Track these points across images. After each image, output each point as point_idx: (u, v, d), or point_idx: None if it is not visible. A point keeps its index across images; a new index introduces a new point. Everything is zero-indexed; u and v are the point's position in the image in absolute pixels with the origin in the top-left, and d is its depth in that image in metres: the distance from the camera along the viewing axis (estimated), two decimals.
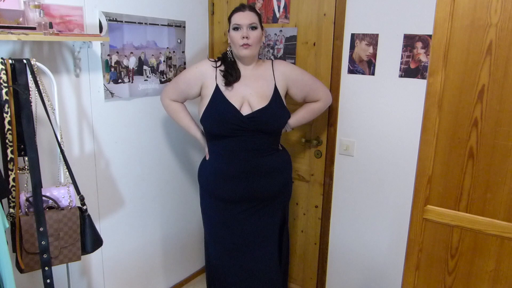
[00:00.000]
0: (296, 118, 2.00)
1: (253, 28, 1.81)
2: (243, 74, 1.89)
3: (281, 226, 2.09)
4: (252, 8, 1.85)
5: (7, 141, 1.43)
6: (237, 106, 1.82)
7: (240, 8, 1.84)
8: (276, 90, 1.89)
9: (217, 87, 1.86)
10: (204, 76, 1.90)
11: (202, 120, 1.87)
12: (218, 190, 1.92)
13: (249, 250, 1.97)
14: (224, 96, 1.83)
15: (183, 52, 2.31)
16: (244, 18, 1.80)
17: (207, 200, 1.99)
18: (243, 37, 1.79)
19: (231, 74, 1.86)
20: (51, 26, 1.51)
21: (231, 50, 1.90)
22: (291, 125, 2.00)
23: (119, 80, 1.98)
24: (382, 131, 2.00)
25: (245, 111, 1.82)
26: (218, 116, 1.82)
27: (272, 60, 1.98)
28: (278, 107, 1.87)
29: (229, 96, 1.84)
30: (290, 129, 2.04)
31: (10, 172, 1.46)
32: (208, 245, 2.08)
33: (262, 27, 1.87)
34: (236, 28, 1.81)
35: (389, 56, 1.91)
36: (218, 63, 1.91)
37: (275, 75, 1.92)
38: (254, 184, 1.88)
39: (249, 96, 1.85)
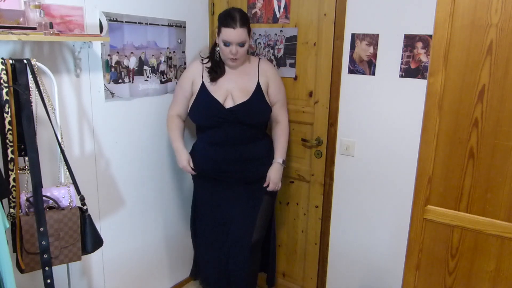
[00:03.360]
0: (281, 152, 2.11)
1: (242, 45, 1.92)
2: (228, 70, 2.05)
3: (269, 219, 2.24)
4: (243, 22, 1.90)
5: (7, 141, 1.43)
6: (220, 99, 1.98)
7: (231, 23, 1.88)
8: (258, 85, 2.03)
9: (203, 84, 2.03)
10: (193, 75, 2.07)
11: (189, 114, 2.08)
12: (205, 171, 2.10)
13: (228, 227, 2.13)
14: (209, 91, 2.00)
15: (184, 52, 2.31)
16: (234, 36, 1.89)
17: (196, 180, 2.20)
18: (232, 53, 1.92)
19: (215, 71, 2.02)
20: (51, 26, 1.51)
21: (219, 52, 2.02)
22: (283, 157, 2.12)
23: (120, 80, 1.98)
24: (382, 131, 2.00)
25: (228, 104, 1.98)
26: (203, 110, 2.01)
27: (259, 58, 2.12)
28: (259, 102, 2.02)
29: (213, 90, 2.00)
30: (284, 165, 2.14)
31: (10, 172, 1.46)
32: (195, 221, 2.28)
33: (250, 35, 1.96)
34: (225, 43, 1.91)
35: (390, 56, 1.91)
36: (206, 60, 2.07)
37: (260, 72, 2.06)
38: (237, 169, 2.05)
39: (232, 90, 2.00)
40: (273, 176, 2.10)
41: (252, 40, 2.07)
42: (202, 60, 2.07)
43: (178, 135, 2.13)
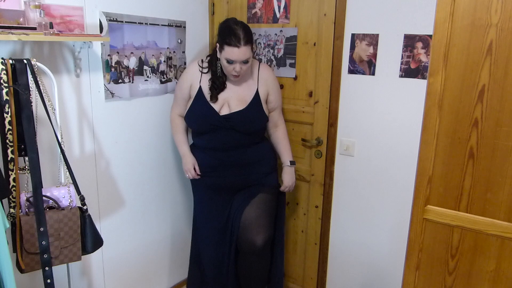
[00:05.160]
0: (288, 154, 2.13)
1: (246, 62, 1.88)
2: (228, 80, 2.03)
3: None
4: (247, 41, 1.84)
5: (7, 141, 1.43)
6: (217, 107, 1.96)
7: (236, 42, 1.81)
8: (257, 94, 2.00)
9: (200, 89, 2.00)
10: (191, 77, 2.05)
11: (185, 118, 2.07)
12: (203, 179, 2.09)
13: (234, 231, 2.08)
14: (205, 98, 1.98)
15: (184, 52, 2.31)
16: (239, 55, 1.84)
17: (195, 185, 2.18)
18: (236, 70, 1.88)
19: (216, 88, 1.98)
20: (51, 26, 1.51)
21: (221, 67, 1.96)
22: (290, 159, 2.13)
23: (120, 80, 1.98)
24: (382, 131, 2.00)
25: (224, 111, 1.96)
26: (199, 116, 2.00)
27: (259, 63, 2.08)
28: (255, 111, 2.00)
29: (210, 98, 1.98)
30: (294, 164, 2.14)
31: (10, 172, 1.47)
32: (196, 225, 2.25)
33: (253, 50, 1.92)
34: (229, 61, 1.86)
35: (390, 56, 1.91)
36: (205, 69, 2.02)
37: (259, 79, 2.03)
38: (235, 173, 2.04)
39: (229, 98, 1.98)
40: (287, 179, 2.10)
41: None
42: (202, 65, 2.04)
43: (183, 139, 2.13)
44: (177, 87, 2.12)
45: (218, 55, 1.93)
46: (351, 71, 2.04)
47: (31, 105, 1.47)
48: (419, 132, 1.65)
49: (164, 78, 2.22)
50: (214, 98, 1.97)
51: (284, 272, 2.53)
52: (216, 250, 2.15)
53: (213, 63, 2.01)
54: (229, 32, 1.84)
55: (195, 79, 2.03)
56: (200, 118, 1.99)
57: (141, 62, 2.07)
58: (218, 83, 1.98)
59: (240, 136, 1.98)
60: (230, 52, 1.83)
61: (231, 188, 2.08)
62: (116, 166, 2.05)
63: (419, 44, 1.82)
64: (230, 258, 2.12)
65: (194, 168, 2.07)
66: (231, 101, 1.97)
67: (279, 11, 2.24)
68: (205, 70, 2.02)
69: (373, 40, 1.95)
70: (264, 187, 2.09)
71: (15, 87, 1.41)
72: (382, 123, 2.00)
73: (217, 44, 1.92)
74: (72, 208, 1.58)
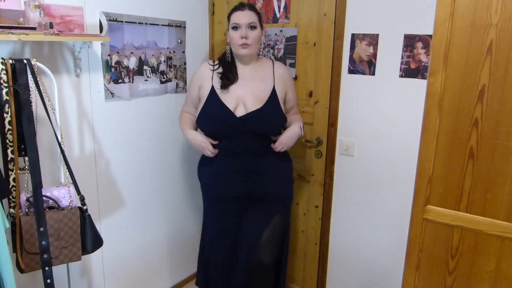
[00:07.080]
0: (299, 122, 1.96)
1: (253, 27, 1.80)
2: (241, 74, 1.89)
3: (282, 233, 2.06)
4: (252, 7, 1.83)
5: (7, 141, 1.43)
6: (231, 107, 1.82)
7: (240, 7, 1.82)
8: (274, 91, 1.88)
9: (212, 88, 1.86)
10: (201, 77, 1.93)
11: (197, 121, 1.90)
12: (215, 188, 1.96)
13: (240, 246, 1.99)
14: (219, 97, 1.84)
15: (183, 52, 2.31)
16: (243, 17, 1.79)
17: (206, 196, 2.05)
18: (242, 37, 1.78)
19: (227, 78, 1.85)
20: (51, 26, 1.51)
21: (230, 49, 1.89)
22: (301, 125, 1.94)
23: (120, 80, 1.98)
24: (382, 131, 2.00)
25: (240, 112, 1.82)
26: (212, 117, 1.84)
27: (273, 61, 1.99)
28: (273, 110, 1.86)
29: (224, 97, 1.84)
30: (302, 133, 1.95)
31: (10, 172, 1.47)
32: (204, 237, 2.13)
33: (262, 26, 1.86)
34: (235, 28, 1.80)
35: (390, 56, 1.91)
36: (216, 66, 1.92)
37: (275, 77, 1.92)
38: (249, 183, 1.90)
39: (244, 97, 1.84)
40: (284, 136, 1.86)
41: (263, 37, 1.92)
42: (214, 64, 1.93)
43: (188, 124, 1.96)
44: (187, 90, 2.07)
45: (228, 38, 1.85)
46: (351, 71, 2.04)
47: (31, 105, 1.47)
48: (419, 132, 1.66)
49: (164, 78, 2.22)
50: (225, 88, 1.83)
51: None
52: (224, 258, 2.04)
53: (225, 57, 1.92)
54: (236, 5, 1.87)
55: (205, 79, 1.90)
56: (213, 120, 1.83)
57: (141, 62, 2.07)
58: (228, 69, 1.86)
59: (257, 140, 1.84)
60: (235, 16, 1.80)
61: (243, 198, 1.92)
62: (116, 166, 2.05)
63: (419, 44, 1.82)
64: (240, 271, 2.00)
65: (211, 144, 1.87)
66: (246, 100, 1.82)
67: (279, 11, 2.24)
68: (216, 67, 1.91)
69: (373, 40, 1.95)
70: (279, 205, 1.99)
71: (15, 87, 1.41)
72: (382, 123, 2.00)
73: (227, 29, 1.86)
74: (72, 208, 1.58)
